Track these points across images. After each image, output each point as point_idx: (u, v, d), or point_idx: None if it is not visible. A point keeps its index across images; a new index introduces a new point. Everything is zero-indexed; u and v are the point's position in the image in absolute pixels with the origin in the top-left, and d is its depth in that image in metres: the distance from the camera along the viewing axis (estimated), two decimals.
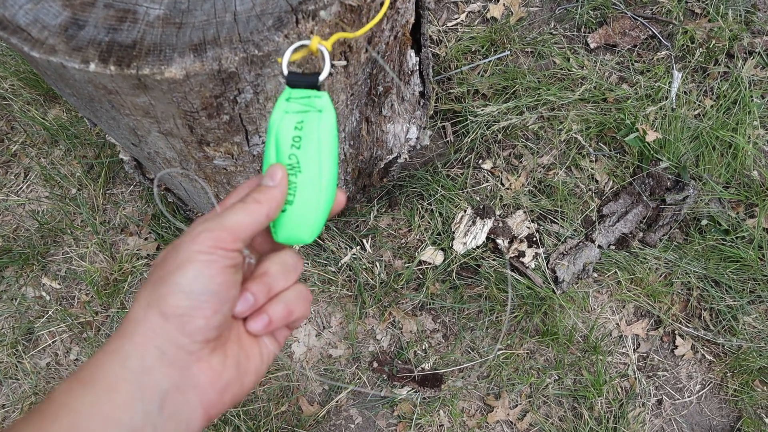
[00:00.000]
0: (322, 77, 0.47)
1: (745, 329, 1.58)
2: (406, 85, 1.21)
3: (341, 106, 1.02)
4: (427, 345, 1.56)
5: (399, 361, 1.55)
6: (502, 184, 1.61)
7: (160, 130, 0.89)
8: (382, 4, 0.89)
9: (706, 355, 1.60)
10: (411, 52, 1.19)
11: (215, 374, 0.39)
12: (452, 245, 1.55)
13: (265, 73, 0.79)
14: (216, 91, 0.81)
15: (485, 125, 1.57)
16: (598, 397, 1.54)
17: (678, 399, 1.59)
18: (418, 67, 1.26)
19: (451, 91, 1.63)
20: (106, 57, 0.66)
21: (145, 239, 1.58)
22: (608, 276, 1.60)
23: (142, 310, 0.38)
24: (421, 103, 1.34)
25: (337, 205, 0.48)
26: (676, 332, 1.61)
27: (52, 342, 1.55)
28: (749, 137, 1.65)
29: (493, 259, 1.56)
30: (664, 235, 1.61)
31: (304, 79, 0.47)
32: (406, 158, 1.36)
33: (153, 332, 0.37)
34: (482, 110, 1.53)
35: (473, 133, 1.56)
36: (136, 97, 0.74)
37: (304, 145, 0.46)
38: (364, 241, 1.59)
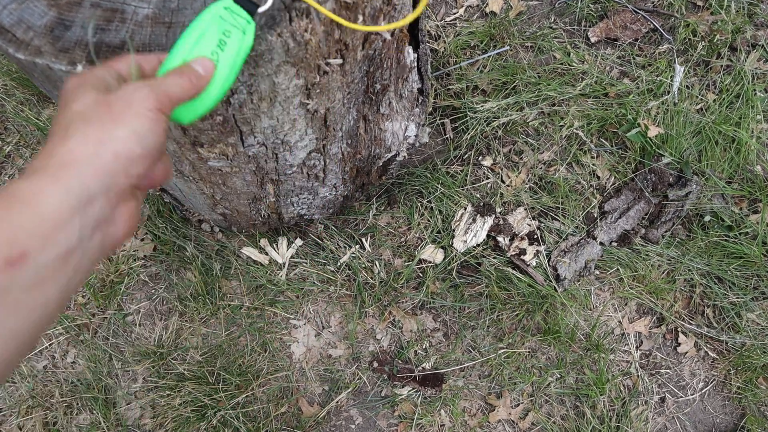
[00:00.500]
0: (261, 9, 0.57)
1: (748, 326, 1.57)
2: (404, 82, 1.19)
3: (338, 105, 1.00)
4: (427, 344, 1.55)
5: (399, 361, 1.53)
6: (503, 181, 1.59)
7: None
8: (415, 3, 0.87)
9: (710, 353, 1.59)
10: (409, 49, 1.16)
11: (131, 214, 0.46)
12: (452, 243, 1.53)
13: (258, 73, 0.77)
14: None
15: (485, 121, 1.55)
16: (601, 395, 1.53)
17: (681, 397, 1.58)
18: (416, 64, 1.24)
19: (450, 87, 1.61)
20: (94, 58, 0.64)
21: (142, 240, 1.57)
22: (610, 273, 1.58)
23: (92, 145, 0.41)
24: (420, 100, 1.32)
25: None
26: (678, 329, 1.59)
27: (49, 345, 1.54)
28: (752, 132, 1.63)
29: (494, 257, 1.54)
30: (666, 232, 1.60)
31: (247, 3, 0.55)
32: (404, 156, 1.34)
33: (102, 167, 0.41)
34: (482, 106, 1.50)
35: (473, 129, 1.54)
36: None
37: (227, 50, 0.55)
38: (363, 239, 1.57)
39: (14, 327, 0.36)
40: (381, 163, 1.32)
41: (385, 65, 1.04)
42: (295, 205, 1.34)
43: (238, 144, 0.97)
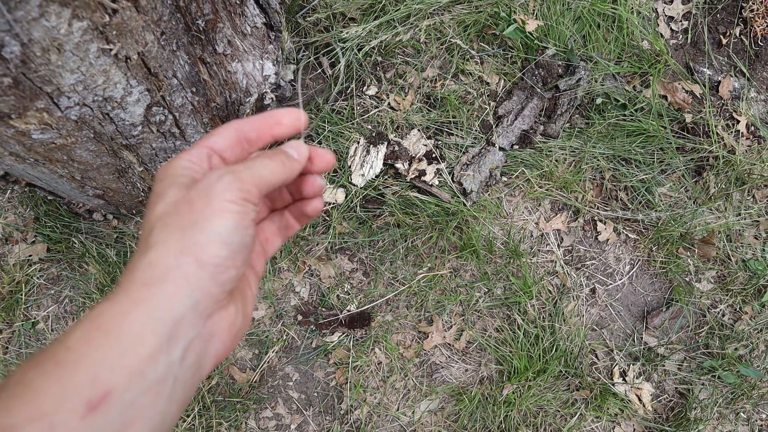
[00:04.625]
0: None
1: (661, 200, 1.56)
2: (240, 17, 1.12)
3: (154, 48, 0.94)
4: (348, 286, 1.52)
5: (323, 309, 1.50)
6: (391, 107, 1.54)
7: None
8: None
9: (630, 235, 1.58)
10: None
11: (231, 321, 0.41)
12: (351, 180, 1.48)
13: (20, 18, 0.71)
14: None
15: (357, 48, 1.49)
16: (529, 299, 1.51)
17: (610, 284, 1.58)
18: None
19: (317, 21, 1.54)
20: None
21: (32, 243, 1.49)
22: (517, 177, 1.55)
23: (173, 257, 0.36)
24: (272, 36, 1.26)
25: None
26: (595, 219, 1.58)
27: None
28: (631, 7, 1.59)
29: (396, 185, 1.50)
30: (565, 124, 1.57)
31: None
32: (272, 98, 1.28)
33: (186, 280, 0.36)
34: (348, 33, 1.44)
35: (344, 58, 1.48)
36: None
37: None
38: None
39: None
40: (248, 109, 1.26)
41: None
42: None
43: (52, 108, 0.90)
